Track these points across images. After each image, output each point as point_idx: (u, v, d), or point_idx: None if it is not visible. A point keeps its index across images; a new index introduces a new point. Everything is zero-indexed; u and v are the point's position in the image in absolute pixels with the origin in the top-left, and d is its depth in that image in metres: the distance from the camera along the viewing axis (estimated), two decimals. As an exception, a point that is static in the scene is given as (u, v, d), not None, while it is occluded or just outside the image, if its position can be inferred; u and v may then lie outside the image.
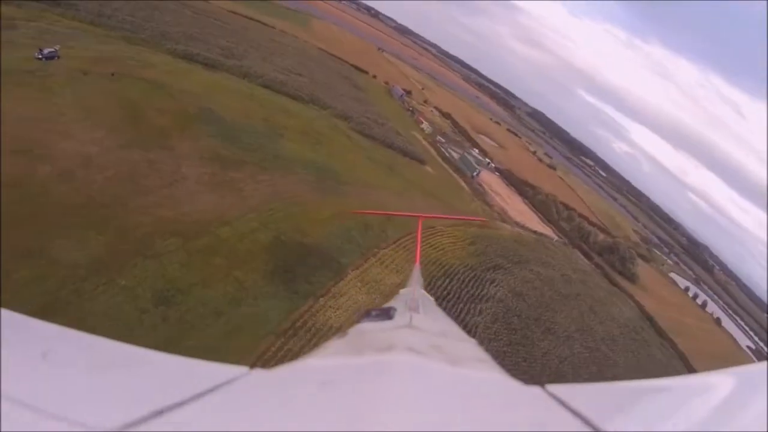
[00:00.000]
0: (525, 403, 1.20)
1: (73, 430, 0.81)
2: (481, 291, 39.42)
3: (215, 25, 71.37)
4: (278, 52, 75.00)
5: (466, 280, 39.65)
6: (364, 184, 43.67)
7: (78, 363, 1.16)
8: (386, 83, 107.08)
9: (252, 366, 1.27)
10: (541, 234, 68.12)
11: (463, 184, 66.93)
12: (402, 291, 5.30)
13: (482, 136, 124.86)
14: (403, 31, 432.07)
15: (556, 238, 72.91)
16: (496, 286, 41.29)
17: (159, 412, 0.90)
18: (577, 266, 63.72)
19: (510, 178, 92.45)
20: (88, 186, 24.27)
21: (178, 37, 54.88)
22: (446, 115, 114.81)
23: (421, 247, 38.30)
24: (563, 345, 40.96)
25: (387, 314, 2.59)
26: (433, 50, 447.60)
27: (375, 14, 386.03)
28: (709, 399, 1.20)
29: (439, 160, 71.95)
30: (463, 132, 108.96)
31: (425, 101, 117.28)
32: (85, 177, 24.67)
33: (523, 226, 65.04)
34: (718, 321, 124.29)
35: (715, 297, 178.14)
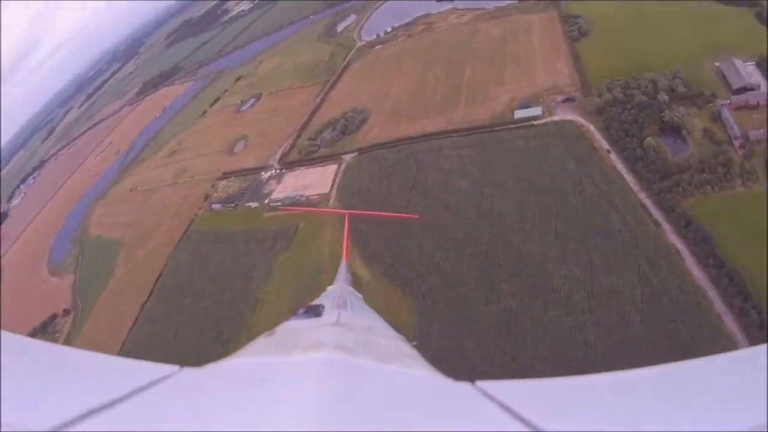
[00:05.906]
0: (454, 399, 1.23)
1: (8, 430, 0.81)
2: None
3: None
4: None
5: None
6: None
7: (9, 366, 1.16)
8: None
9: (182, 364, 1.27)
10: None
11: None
12: (330, 288, 5.56)
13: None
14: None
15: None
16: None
17: (93, 411, 0.89)
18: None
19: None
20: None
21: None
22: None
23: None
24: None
25: (315, 312, 2.78)
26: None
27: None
28: (645, 395, 1.19)
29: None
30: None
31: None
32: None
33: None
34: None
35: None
